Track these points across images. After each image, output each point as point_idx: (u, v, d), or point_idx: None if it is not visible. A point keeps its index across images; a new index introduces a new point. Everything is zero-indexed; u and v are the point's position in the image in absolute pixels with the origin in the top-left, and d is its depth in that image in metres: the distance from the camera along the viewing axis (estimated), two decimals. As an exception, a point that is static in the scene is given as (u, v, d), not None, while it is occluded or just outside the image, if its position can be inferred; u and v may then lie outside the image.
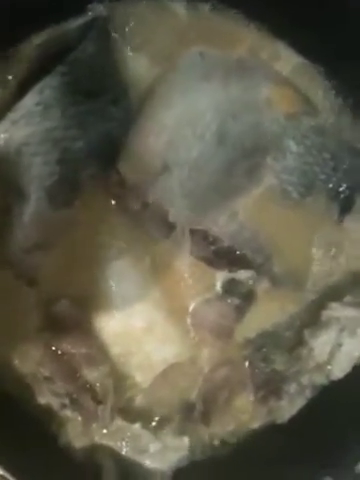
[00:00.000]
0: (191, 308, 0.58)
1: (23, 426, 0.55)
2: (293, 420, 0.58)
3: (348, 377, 0.58)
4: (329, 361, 0.58)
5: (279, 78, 0.61)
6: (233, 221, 0.58)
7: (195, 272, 0.58)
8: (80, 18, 0.56)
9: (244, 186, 0.59)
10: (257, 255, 0.58)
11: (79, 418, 0.54)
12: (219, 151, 0.57)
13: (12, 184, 0.53)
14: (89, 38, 0.55)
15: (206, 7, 0.61)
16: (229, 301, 0.58)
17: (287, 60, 0.63)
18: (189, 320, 0.58)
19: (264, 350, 0.59)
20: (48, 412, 0.55)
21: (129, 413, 0.56)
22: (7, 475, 0.46)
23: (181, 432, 0.57)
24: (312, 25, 0.59)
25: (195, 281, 0.58)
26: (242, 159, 0.58)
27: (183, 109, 0.57)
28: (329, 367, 0.58)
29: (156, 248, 0.58)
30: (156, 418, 0.57)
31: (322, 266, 0.60)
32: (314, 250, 0.60)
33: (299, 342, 0.59)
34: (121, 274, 0.57)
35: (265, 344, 0.59)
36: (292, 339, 0.59)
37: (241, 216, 0.58)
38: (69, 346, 0.53)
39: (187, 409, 0.58)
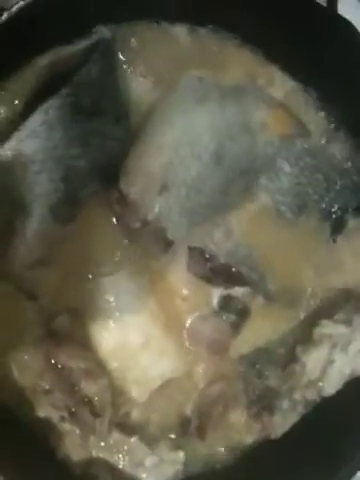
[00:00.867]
0: (187, 323, 0.59)
1: (21, 439, 0.55)
2: (287, 436, 0.59)
3: (339, 394, 0.59)
4: (321, 377, 0.59)
5: (273, 101, 0.63)
6: (229, 239, 0.59)
7: (192, 288, 0.59)
8: (85, 40, 0.58)
9: (240, 205, 0.60)
10: (252, 272, 0.59)
11: (77, 431, 0.54)
12: (216, 171, 0.58)
13: (16, 200, 0.54)
14: (93, 60, 0.56)
15: (205, 31, 0.63)
16: (225, 317, 0.59)
17: (281, 84, 0.64)
18: (185, 335, 0.59)
19: (258, 366, 0.60)
20: (46, 425, 0.55)
21: (126, 427, 0.57)
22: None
23: (177, 446, 0.58)
24: (305, 50, 0.61)
25: (192, 297, 0.59)
26: (238, 179, 0.60)
27: (182, 130, 0.58)
28: (321, 383, 0.59)
29: (154, 264, 0.59)
30: (152, 432, 0.58)
31: (314, 284, 0.62)
32: (307, 268, 0.61)
33: (292, 358, 0.60)
34: (119, 289, 0.57)
35: (259, 360, 0.60)
36: (285, 355, 0.60)
37: (237, 234, 0.59)
38: (68, 359, 0.54)
39: (183, 423, 0.58)
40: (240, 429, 0.59)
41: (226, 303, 0.60)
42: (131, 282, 0.58)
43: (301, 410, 0.60)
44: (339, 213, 0.62)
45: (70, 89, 0.54)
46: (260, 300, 0.60)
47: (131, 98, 0.59)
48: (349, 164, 0.64)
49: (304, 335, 0.60)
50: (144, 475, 0.55)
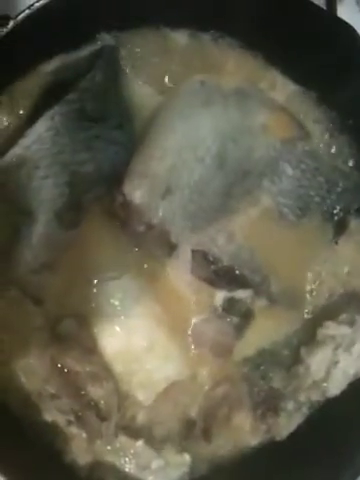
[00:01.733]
0: (191, 326, 0.59)
1: (27, 443, 0.55)
2: (291, 437, 0.59)
3: (344, 394, 0.59)
4: (325, 378, 0.59)
5: (274, 105, 0.64)
6: (232, 242, 0.59)
7: (196, 291, 0.59)
8: (89, 47, 0.58)
9: (242, 207, 0.60)
10: (255, 275, 0.59)
11: (84, 435, 0.54)
12: (219, 174, 0.59)
13: (22, 206, 0.55)
14: (97, 67, 0.57)
15: (206, 37, 0.63)
16: (228, 319, 0.60)
17: (282, 88, 0.65)
18: (190, 338, 0.59)
19: (262, 368, 0.60)
20: (53, 429, 0.55)
21: (132, 430, 0.57)
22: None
23: (182, 449, 0.58)
24: (305, 54, 0.61)
25: (196, 300, 0.59)
26: (241, 182, 0.60)
27: (185, 134, 0.58)
28: (325, 384, 0.59)
29: (158, 268, 0.59)
30: (158, 435, 0.58)
31: (317, 285, 0.62)
32: (309, 270, 0.62)
33: (296, 360, 0.60)
34: (124, 293, 0.58)
35: (263, 362, 0.60)
36: (289, 357, 0.60)
37: (239, 237, 0.60)
38: (74, 363, 0.54)
39: (188, 426, 0.58)
40: (245, 431, 0.59)
41: (230, 305, 0.60)
42: (135, 286, 0.58)
43: (306, 411, 0.60)
44: (341, 215, 0.62)
45: (75, 95, 0.55)
46: (263, 302, 0.60)
47: (134, 103, 0.60)
48: (350, 166, 0.64)
49: (308, 336, 0.60)
50: (150, 478, 0.56)
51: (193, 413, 0.59)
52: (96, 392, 0.54)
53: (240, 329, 0.60)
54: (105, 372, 0.55)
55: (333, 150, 0.65)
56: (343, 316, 0.61)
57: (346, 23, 0.59)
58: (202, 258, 0.59)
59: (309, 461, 0.58)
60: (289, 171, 0.62)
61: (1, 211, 0.55)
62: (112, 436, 0.55)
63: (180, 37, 0.63)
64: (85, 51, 0.58)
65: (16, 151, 0.53)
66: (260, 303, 0.60)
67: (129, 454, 0.56)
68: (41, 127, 0.53)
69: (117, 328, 0.57)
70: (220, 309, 0.60)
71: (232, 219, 0.60)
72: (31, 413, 0.55)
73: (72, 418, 0.53)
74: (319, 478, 0.57)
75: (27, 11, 0.52)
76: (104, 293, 0.58)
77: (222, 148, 0.59)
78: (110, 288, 0.58)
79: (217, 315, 0.60)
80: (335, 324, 0.60)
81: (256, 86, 0.64)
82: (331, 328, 0.60)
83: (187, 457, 0.57)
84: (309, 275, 0.62)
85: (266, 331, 0.60)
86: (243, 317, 0.60)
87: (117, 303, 0.58)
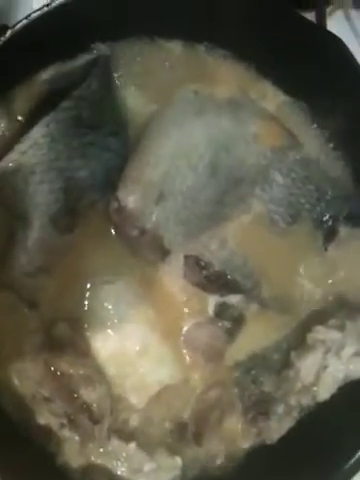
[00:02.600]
0: (184, 331, 0.60)
1: (20, 445, 0.55)
2: (282, 441, 0.60)
3: (334, 398, 0.60)
4: (315, 382, 0.59)
5: (266, 114, 0.65)
6: (224, 248, 0.60)
7: (188, 296, 0.60)
8: (85, 56, 0.59)
9: (234, 214, 0.61)
10: (247, 280, 0.60)
11: (76, 438, 0.54)
12: (211, 181, 0.60)
13: (17, 210, 0.55)
14: (93, 75, 0.57)
15: (200, 47, 0.65)
16: (220, 324, 0.60)
17: (273, 98, 0.66)
18: (182, 342, 0.60)
19: (253, 372, 0.61)
20: (46, 432, 0.55)
21: (124, 433, 0.57)
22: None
23: (174, 452, 0.58)
24: (296, 66, 0.63)
25: (188, 305, 0.60)
26: (233, 189, 0.61)
27: (178, 142, 0.59)
28: (315, 388, 0.59)
29: (151, 272, 0.59)
30: (150, 438, 0.58)
31: (308, 291, 0.63)
32: (300, 276, 0.63)
33: (286, 364, 0.60)
34: (117, 297, 0.58)
35: (254, 366, 0.61)
36: (280, 361, 0.61)
37: (232, 243, 0.60)
38: (68, 366, 0.54)
39: (180, 429, 0.59)
40: (237, 434, 0.60)
41: (222, 310, 0.60)
42: (129, 290, 0.59)
43: (296, 415, 0.60)
44: (331, 222, 0.63)
45: (70, 103, 0.56)
46: (255, 307, 0.61)
47: (129, 111, 0.61)
48: (339, 174, 0.65)
49: (298, 341, 0.61)
50: (142, 481, 0.56)
51: (185, 416, 0.59)
52: (89, 395, 0.54)
53: (232, 334, 0.60)
54: (98, 375, 0.56)
55: (323, 159, 0.66)
56: (333, 321, 0.61)
57: (335, 36, 0.60)
58: (194, 263, 0.59)
59: (299, 465, 0.59)
60: (280, 179, 0.63)
61: (-2, 213, 0.56)
62: (104, 439, 0.55)
63: (174, 47, 0.64)
64: (81, 60, 0.59)
65: (12, 156, 0.54)
66: (252, 308, 0.61)
67: (121, 457, 0.56)
68: (37, 133, 0.54)
69: (110, 332, 0.58)
70: (212, 314, 0.60)
71: (224, 225, 0.61)
72: (25, 416, 0.55)
73: (65, 421, 0.54)
74: (312, 480, 0.57)
75: (24, 21, 0.53)
76: (98, 297, 0.58)
77: (214, 156, 0.60)
78: (104, 292, 0.58)
79: (209, 320, 0.60)
80: (325, 329, 0.61)
81: (248, 96, 0.65)
82: (321, 333, 0.60)
83: (179, 460, 0.58)
84: (299, 280, 0.63)
85: (257, 336, 0.61)
86: (235, 322, 0.61)
87: (111, 307, 0.58)
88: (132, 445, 0.56)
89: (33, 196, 0.54)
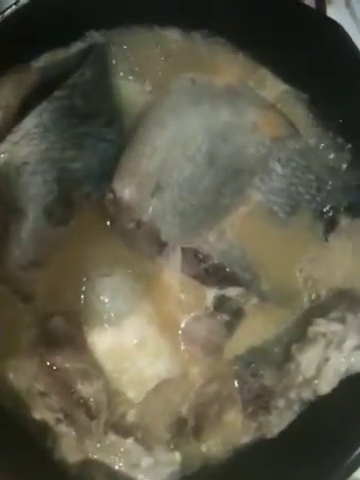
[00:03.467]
0: (182, 324, 0.59)
1: (17, 441, 0.54)
2: (282, 435, 0.59)
3: (335, 392, 0.59)
4: (316, 376, 0.59)
5: (264, 103, 0.64)
6: (222, 240, 0.60)
7: (186, 289, 0.59)
8: (78, 44, 0.59)
9: (233, 205, 0.61)
10: (246, 272, 0.59)
11: (73, 433, 0.54)
12: (209, 172, 0.59)
13: (10, 202, 0.54)
14: (87, 64, 0.57)
15: (197, 35, 0.64)
16: (219, 317, 0.60)
17: (272, 86, 0.65)
18: (180, 336, 0.59)
19: (253, 366, 0.60)
20: (42, 427, 0.55)
21: (122, 428, 0.57)
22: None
23: (173, 447, 0.58)
24: (295, 53, 0.62)
25: (186, 298, 0.59)
26: (231, 180, 0.60)
27: (175, 132, 0.59)
28: (316, 382, 0.59)
29: (148, 265, 0.59)
30: (148, 433, 0.58)
31: (308, 283, 0.62)
32: (300, 268, 0.62)
33: (287, 357, 0.60)
34: (114, 291, 0.58)
35: (254, 360, 0.60)
36: (280, 355, 0.60)
37: (230, 235, 0.60)
38: (64, 361, 0.54)
39: (179, 424, 0.58)
40: (236, 428, 0.59)
41: (220, 303, 0.60)
42: (126, 284, 0.58)
43: (297, 409, 0.60)
44: (331, 212, 0.63)
45: (64, 92, 0.55)
46: (254, 300, 0.60)
47: (124, 101, 0.60)
48: (340, 164, 0.65)
49: (299, 334, 0.60)
50: (141, 476, 0.55)
51: (184, 411, 0.59)
52: (86, 390, 0.53)
53: (231, 327, 0.60)
54: (95, 370, 0.55)
55: (323, 148, 0.65)
56: (334, 313, 0.61)
57: (335, 22, 0.59)
58: (192, 256, 0.59)
59: (300, 459, 0.58)
60: (279, 169, 0.62)
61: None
62: (102, 434, 0.54)
63: (171, 35, 0.63)
64: (74, 48, 0.58)
65: (4, 147, 0.53)
66: (251, 301, 0.60)
67: (119, 452, 0.55)
68: (29, 123, 0.53)
69: (107, 326, 0.57)
70: (211, 307, 0.60)
71: (223, 217, 0.60)
72: (21, 411, 0.55)
73: (61, 416, 0.53)
74: (310, 476, 0.56)
75: (14, 6, 0.52)
76: (94, 291, 0.58)
77: (212, 146, 0.59)
78: (100, 286, 0.58)
79: (208, 313, 0.60)
80: (326, 321, 0.60)
81: (246, 85, 0.64)
82: (322, 325, 0.60)
83: (177, 455, 0.57)
84: (299, 273, 0.62)
85: (257, 329, 0.60)
86: (234, 315, 0.60)
87: (107, 301, 0.58)
88: (130, 440, 0.56)
89: (26, 187, 0.54)
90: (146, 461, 0.55)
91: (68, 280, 0.57)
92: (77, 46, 0.59)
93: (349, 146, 0.64)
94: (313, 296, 0.62)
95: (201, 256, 0.58)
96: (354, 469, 0.56)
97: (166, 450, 0.57)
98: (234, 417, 0.59)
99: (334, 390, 0.59)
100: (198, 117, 0.60)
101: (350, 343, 0.59)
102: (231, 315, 0.60)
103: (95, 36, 0.60)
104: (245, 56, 0.65)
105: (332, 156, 0.65)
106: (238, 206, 0.61)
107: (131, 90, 0.61)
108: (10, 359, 0.54)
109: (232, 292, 0.60)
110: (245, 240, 0.60)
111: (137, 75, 0.61)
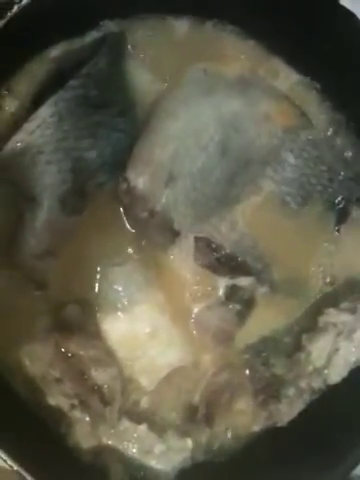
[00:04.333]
0: (194, 313, 0.60)
1: (32, 427, 0.55)
2: (293, 423, 0.60)
3: (345, 381, 0.60)
4: (326, 365, 0.59)
5: (277, 93, 0.63)
6: (235, 229, 0.60)
7: (198, 278, 0.59)
8: (93, 34, 0.59)
9: (245, 195, 0.61)
10: (257, 262, 0.59)
11: (87, 419, 0.55)
12: (222, 162, 0.59)
13: (25, 191, 0.55)
14: (101, 53, 0.56)
15: (209, 25, 0.63)
16: (231, 307, 0.60)
17: (285, 77, 0.65)
18: (192, 325, 0.59)
19: (264, 355, 0.61)
20: (57, 414, 0.56)
21: (135, 415, 0.57)
22: (21, 470, 0.47)
23: (184, 434, 0.58)
24: (308, 43, 0.61)
25: (198, 287, 0.59)
26: (243, 170, 0.60)
27: (187, 122, 0.58)
28: (326, 371, 0.59)
29: (161, 255, 0.59)
30: (161, 420, 0.58)
31: (319, 273, 0.62)
32: (311, 258, 0.62)
33: (297, 347, 0.60)
34: (127, 280, 0.58)
35: (265, 349, 0.61)
36: (291, 344, 0.61)
37: (242, 225, 0.60)
38: (78, 348, 0.54)
39: (190, 412, 0.59)
40: (247, 417, 0.60)
41: (232, 293, 0.60)
42: (139, 273, 0.59)
43: (307, 398, 0.60)
44: (343, 203, 0.62)
45: (79, 81, 0.55)
46: (265, 290, 0.60)
47: (137, 90, 0.60)
48: (352, 155, 0.64)
49: (309, 324, 0.61)
50: (153, 462, 0.56)
51: (195, 399, 0.59)
52: (99, 377, 0.54)
53: (242, 316, 0.60)
54: (108, 357, 0.56)
55: (335, 139, 0.65)
56: (344, 304, 0.61)
57: (350, 11, 0.59)
58: (205, 245, 0.59)
59: (309, 448, 0.59)
60: (291, 159, 0.62)
61: (6, 193, 0.56)
62: (115, 420, 0.55)
63: (183, 25, 0.63)
64: (89, 38, 0.58)
65: (20, 136, 0.53)
66: (262, 291, 0.60)
67: (132, 438, 0.56)
68: (45, 112, 0.53)
69: (120, 314, 0.58)
70: (222, 296, 0.60)
71: (235, 207, 0.60)
72: (36, 397, 0.56)
73: (76, 402, 0.54)
74: (319, 465, 0.57)
75: (30, -4, 0.52)
76: (108, 280, 0.58)
77: (225, 136, 0.59)
78: (114, 275, 0.58)
79: (219, 302, 0.60)
80: (336, 311, 0.60)
81: (259, 75, 0.64)
82: (332, 315, 0.60)
83: (189, 442, 0.58)
84: (311, 263, 0.62)
85: (268, 318, 0.61)
86: (245, 304, 0.60)
87: (120, 289, 0.58)
88: (143, 426, 0.56)
89: (41, 176, 0.54)
90: (158, 447, 0.56)
91: (82, 269, 0.58)
92: (92, 35, 0.59)
93: (363, 137, 0.64)
94: (324, 286, 0.62)
95: (214, 246, 0.59)
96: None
97: (178, 437, 0.58)
98: (245, 405, 0.59)
99: (344, 380, 0.59)
100: (210, 107, 0.59)
101: (360, 333, 0.59)
102: (242, 304, 0.60)
103: (110, 25, 0.60)
104: (258, 45, 0.64)
105: (345, 147, 0.64)
106: (250, 196, 0.61)
107: (144, 80, 0.60)
108: (26, 346, 0.55)
109: (244, 282, 0.60)
110: (257, 230, 0.60)
111: (150, 65, 0.61)
